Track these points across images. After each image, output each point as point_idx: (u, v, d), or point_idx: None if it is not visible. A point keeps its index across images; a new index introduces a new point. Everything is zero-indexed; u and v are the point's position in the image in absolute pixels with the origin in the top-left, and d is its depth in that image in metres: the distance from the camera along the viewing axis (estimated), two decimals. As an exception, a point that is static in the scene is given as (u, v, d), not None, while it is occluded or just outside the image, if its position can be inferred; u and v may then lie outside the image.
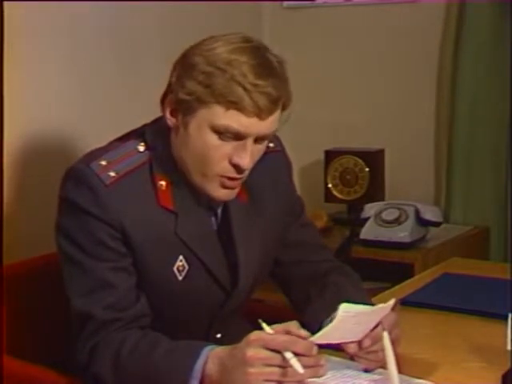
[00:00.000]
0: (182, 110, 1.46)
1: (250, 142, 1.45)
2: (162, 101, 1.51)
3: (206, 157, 1.46)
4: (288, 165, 1.75)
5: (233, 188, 1.51)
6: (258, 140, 1.47)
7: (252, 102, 1.41)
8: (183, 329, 1.55)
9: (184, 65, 1.47)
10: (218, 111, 1.42)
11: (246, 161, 1.46)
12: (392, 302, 1.39)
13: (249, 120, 1.42)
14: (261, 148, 1.51)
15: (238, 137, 1.44)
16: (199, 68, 1.43)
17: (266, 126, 1.45)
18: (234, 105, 1.41)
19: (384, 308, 1.39)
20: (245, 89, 1.40)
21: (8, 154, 2.09)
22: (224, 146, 1.45)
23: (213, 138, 1.45)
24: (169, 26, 2.71)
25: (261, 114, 1.42)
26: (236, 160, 1.46)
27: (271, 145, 1.69)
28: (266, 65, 1.44)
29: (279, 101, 1.45)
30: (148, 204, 1.50)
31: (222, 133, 1.44)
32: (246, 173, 1.50)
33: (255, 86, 1.41)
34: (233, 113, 1.42)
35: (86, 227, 1.46)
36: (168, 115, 1.50)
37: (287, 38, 3.21)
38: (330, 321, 1.44)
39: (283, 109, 1.49)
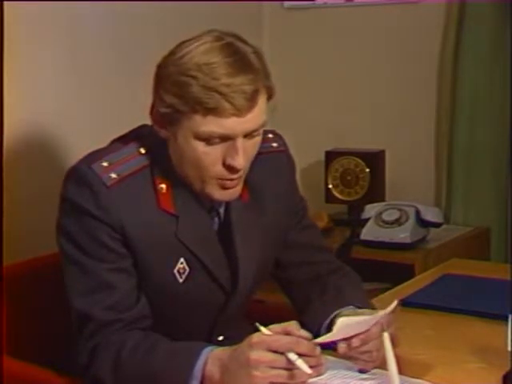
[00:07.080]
0: (167, 122, 1.46)
1: (239, 141, 1.43)
2: (150, 113, 1.50)
3: (199, 163, 1.45)
4: (291, 165, 1.73)
5: (233, 187, 1.49)
6: (248, 136, 1.45)
7: (228, 104, 1.38)
8: (185, 331, 1.55)
9: (159, 77, 1.46)
10: (197, 120, 1.40)
11: (239, 161, 1.43)
12: (393, 305, 1.39)
13: (229, 121, 1.40)
14: (255, 142, 1.48)
15: (225, 139, 1.43)
16: (172, 79, 1.42)
17: (250, 122, 1.42)
18: (210, 111, 1.39)
19: (385, 314, 1.39)
20: (219, 93, 1.38)
21: (8, 154, 2.09)
22: (214, 150, 1.43)
23: (200, 146, 1.43)
24: (168, 25, 2.70)
25: (239, 113, 1.40)
26: (229, 161, 1.44)
27: (274, 144, 1.68)
28: (238, 60, 1.41)
29: (257, 95, 1.42)
30: (149, 207, 1.50)
31: (207, 139, 1.42)
32: (244, 171, 1.48)
33: (228, 86, 1.38)
34: (211, 118, 1.40)
35: (86, 228, 1.46)
36: (157, 128, 1.49)
37: (287, 38, 3.21)
38: (329, 327, 1.45)
39: (269, 98, 1.46)
